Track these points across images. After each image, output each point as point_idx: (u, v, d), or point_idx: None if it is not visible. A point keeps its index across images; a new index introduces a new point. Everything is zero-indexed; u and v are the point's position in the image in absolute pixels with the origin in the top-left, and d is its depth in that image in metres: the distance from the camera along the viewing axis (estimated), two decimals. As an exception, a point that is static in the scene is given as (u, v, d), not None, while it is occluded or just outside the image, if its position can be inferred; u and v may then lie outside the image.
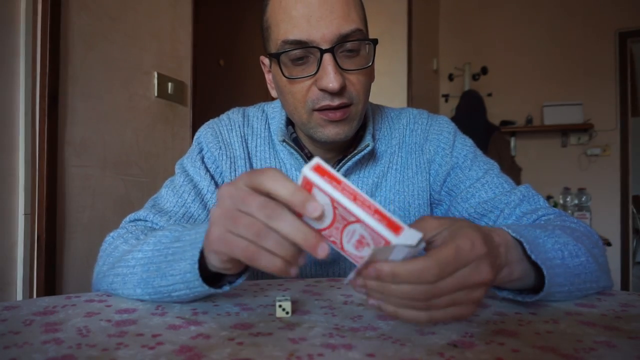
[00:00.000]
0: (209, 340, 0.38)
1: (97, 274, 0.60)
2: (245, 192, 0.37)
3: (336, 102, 0.60)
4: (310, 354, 0.35)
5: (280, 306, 0.46)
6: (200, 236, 0.45)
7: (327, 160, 0.73)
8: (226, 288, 0.48)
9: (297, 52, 0.60)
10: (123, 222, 0.68)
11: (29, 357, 0.34)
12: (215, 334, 0.40)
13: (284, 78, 0.62)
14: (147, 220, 0.66)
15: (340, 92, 0.60)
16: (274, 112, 0.77)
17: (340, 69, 0.60)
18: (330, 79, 0.58)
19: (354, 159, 0.69)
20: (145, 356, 0.34)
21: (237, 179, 0.39)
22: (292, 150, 0.69)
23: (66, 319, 0.44)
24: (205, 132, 0.76)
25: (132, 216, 0.68)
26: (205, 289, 0.46)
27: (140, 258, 0.52)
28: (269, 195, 0.37)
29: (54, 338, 0.38)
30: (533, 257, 0.45)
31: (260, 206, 0.36)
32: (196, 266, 0.45)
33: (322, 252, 0.35)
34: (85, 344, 0.37)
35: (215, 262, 0.42)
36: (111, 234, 0.64)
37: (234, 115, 0.78)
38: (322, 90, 0.60)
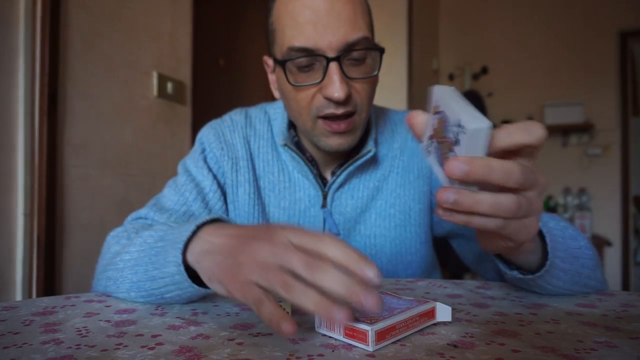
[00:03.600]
0: (209, 341, 0.38)
1: (95, 274, 0.60)
2: (288, 249, 0.35)
3: (340, 110, 0.60)
4: (310, 354, 0.35)
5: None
6: (182, 236, 0.45)
7: (328, 165, 0.73)
8: None
9: (303, 60, 0.59)
10: (126, 220, 0.69)
11: (28, 357, 0.34)
12: (215, 334, 0.39)
13: (288, 85, 0.61)
14: (147, 218, 0.67)
15: (345, 101, 0.59)
16: (276, 113, 0.77)
17: (346, 77, 0.59)
18: (336, 88, 0.57)
19: (355, 164, 0.69)
20: (144, 356, 0.34)
21: (281, 232, 0.37)
22: (294, 154, 0.69)
23: (65, 320, 0.44)
24: (207, 132, 0.76)
25: (134, 214, 0.69)
26: (195, 289, 0.45)
27: (127, 260, 0.52)
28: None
29: (54, 338, 0.38)
30: (539, 225, 0.44)
31: (303, 263, 0.34)
32: (181, 268, 0.44)
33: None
34: (85, 344, 0.37)
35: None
36: (112, 232, 0.64)
37: (236, 116, 0.78)
38: (327, 98, 0.59)
